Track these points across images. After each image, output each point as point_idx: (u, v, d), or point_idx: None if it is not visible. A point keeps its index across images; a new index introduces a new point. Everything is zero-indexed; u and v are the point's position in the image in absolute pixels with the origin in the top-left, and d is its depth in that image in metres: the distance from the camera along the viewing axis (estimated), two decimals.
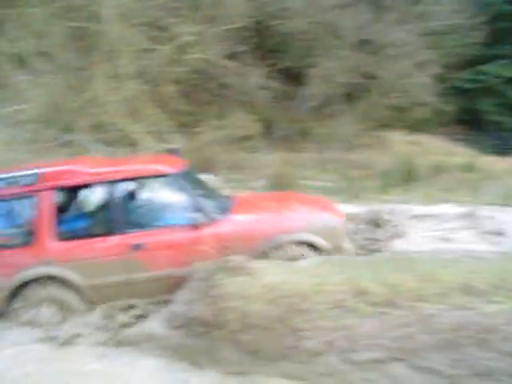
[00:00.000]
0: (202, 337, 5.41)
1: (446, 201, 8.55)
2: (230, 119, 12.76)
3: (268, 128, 13.81)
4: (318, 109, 14.61)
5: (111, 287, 6.38)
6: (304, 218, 6.72)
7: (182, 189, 6.60)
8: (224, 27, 11.17)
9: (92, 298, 6.40)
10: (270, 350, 5.10)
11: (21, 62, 9.17)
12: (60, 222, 6.51)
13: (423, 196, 9.13)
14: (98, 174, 6.55)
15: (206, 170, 8.89)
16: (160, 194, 7.07)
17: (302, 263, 5.92)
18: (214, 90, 13.28)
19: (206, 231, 6.43)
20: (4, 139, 9.21)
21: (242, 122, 12.89)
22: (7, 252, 6.40)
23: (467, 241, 7.25)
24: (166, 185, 6.84)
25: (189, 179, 6.90)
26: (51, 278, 6.37)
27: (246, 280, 5.45)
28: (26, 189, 6.44)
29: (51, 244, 6.39)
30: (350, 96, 14.96)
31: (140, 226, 6.56)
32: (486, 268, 5.52)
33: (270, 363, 5.10)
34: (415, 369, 4.78)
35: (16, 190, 6.45)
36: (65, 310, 6.40)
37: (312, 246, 6.54)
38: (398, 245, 7.27)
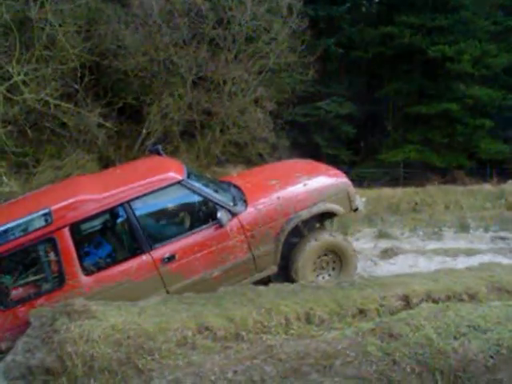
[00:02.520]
0: None
1: None
2: (70, 158, 12.51)
3: (107, 166, 13.66)
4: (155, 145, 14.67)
5: None
6: (316, 188, 6.83)
7: (196, 190, 6.53)
8: (59, 66, 10.97)
9: None
10: None
11: None
12: (84, 255, 6.32)
13: None
14: (110, 198, 6.27)
15: None
16: (177, 201, 6.89)
17: (144, 302, 5.89)
18: (52, 129, 12.96)
19: (232, 226, 6.42)
20: None
21: (81, 162, 12.68)
22: (41, 299, 6.06)
23: None
24: (181, 191, 6.63)
25: (196, 178, 6.83)
26: None
27: (90, 323, 5.33)
28: (44, 231, 6.06)
29: (81, 280, 6.12)
30: (188, 133, 15.16)
31: (165, 238, 6.42)
32: (325, 296, 5.78)
33: None
34: None
35: (34, 235, 6.05)
36: None
37: (330, 214, 6.79)
38: None
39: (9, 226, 6.14)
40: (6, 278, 6.36)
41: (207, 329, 5.23)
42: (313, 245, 6.84)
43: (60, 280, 6.20)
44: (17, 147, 9.44)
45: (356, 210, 7.15)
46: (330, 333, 5.29)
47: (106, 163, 13.65)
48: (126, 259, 6.38)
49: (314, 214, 6.80)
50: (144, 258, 6.32)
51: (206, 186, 6.86)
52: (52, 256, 6.26)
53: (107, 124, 13.35)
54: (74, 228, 6.31)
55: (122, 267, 6.29)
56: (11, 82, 7.44)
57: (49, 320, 5.50)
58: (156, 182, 6.50)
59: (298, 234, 6.94)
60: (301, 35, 16.88)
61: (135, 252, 6.39)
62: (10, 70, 7.78)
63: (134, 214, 6.38)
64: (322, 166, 8.03)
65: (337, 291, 5.97)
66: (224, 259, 6.52)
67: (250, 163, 15.97)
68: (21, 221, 6.16)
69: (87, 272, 6.23)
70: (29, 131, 11.45)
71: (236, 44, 15.50)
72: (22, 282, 6.36)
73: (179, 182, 6.55)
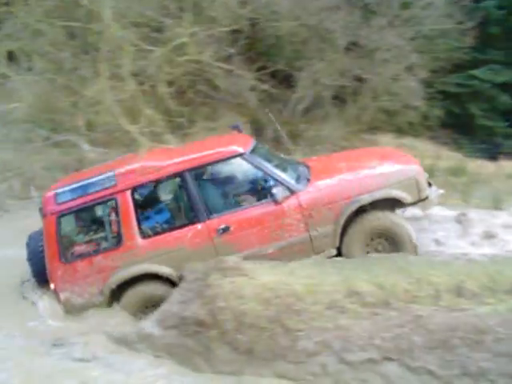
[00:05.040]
0: (195, 336, 5.45)
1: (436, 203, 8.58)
2: (222, 121, 12.76)
3: (258, 130, 13.80)
4: (308, 111, 14.64)
5: None
6: (383, 173, 6.69)
7: (258, 165, 6.65)
8: (218, 29, 11.17)
9: None
10: (265, 350, 5.15)
11: (15, 60, 9.15)
12: (143, 219, 6.66)
13: None
14: (172, 166, 6.62)
15: None
16: (237, 174, 7.07)
17: (295, 264, 5.96)
18: (206, 91, 13.28)
19: (289, 203, 6.48)
20: None
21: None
22: (99, 257, 6.55)
23: (458, 243, 7.29)
24: (241, 164, 6.82)
25: (262, 154, 6.96)
26: (145, 276, 6.53)
27: (241, 280, 5.48)
28: (106, 192, 6.54)
29: (138, 242, 6.51)
30: (339, 99, 14.99)
31: (222, 209, 6.64)
32: (478, 270, 5.58)
33: (265, 363, 5.15)
34: (408, 369, 4.84)
35: (96, 196, 6.56)
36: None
37: (396, 201, 6.62)
38: None
39: (76, 185, 6.64)
40: (71, 233, 6.86)
41: (357, 293, 5.22)
42: (357, 229, 6.61)
43: (118, 240, 6.58)
44: (168, 110, 9.76)
45: (425, 199, 6.74)
46: (481, 308, 5.11)
47: (257, 126, 13.81)
48: (182, 226, 6.60)
49: (376, 199, 6.54)
50: (199, 227, 6.50)
51: (270, 162, 6.86)
52: (113, 217, 6.65)
53: (260, 87, 13.49)
54: (136, 192, 6.70)
55: (178, 234, 6.52)
56: (176, 42, 7.69)
57: (202, 275, 5.72)
58: (217, 154, 6.69)
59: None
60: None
61: (192, 220, 6.58)
62: (177, 30, 8.05)
63: (194, 183, 6.59)
64: (399, 153, 7.76)
65: (490, 266, 5.76)
66: (279, 236, 6.49)
67: (399, 132, 15.62)
68: (88, 181, 6.62)
69: (144, 235, 6.55)
70: (188, 92, 11.84)
71: (391, 9, 15.09)
72: (84, 238, 6.84)
73: (240, 155, 6.66)
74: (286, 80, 14.73)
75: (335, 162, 7.46)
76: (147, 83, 7.72)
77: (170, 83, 8.54)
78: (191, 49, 8.25)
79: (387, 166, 6.85)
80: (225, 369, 5.27)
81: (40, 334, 6.24)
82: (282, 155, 7.96)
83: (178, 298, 5.74)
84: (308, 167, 7.26)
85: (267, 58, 14.65)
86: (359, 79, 14.89)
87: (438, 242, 7.27)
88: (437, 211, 7.95)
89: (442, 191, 7.20)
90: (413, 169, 6.81)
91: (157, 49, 7.78)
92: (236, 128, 7.94)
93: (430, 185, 7.02)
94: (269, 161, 6.89)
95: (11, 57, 9.22)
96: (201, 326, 5.39)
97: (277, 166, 6.84)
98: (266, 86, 13.47)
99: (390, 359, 4.88)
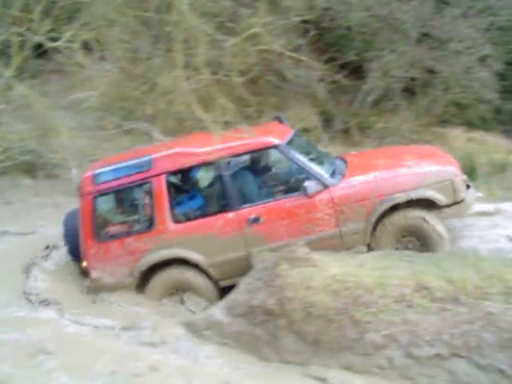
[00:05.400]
0: (263, 325, 5.50)
1: (509, 199, 8.41)
2: (291, 111, 12.79)
3: (327, 121, 13.77)
4: (377, 103, 14.52)
5: (231, 264, 6.61)
6: (419, 172, 6.63)
7: (292, 158, 6.69)
8: (292, 19, 11.19)
9: (214, 275, 6.70)
10: (332, 342, 5.17)
11: (90, 49, 9.37)
12: (176, 204, 6.81)
13: (485, 194, 8.99)
14: (207, 154, 6.69)
15: None
16: (271, 166, 7.31)
17: (364, 256, 5.95)
18: (275, 82, 13.33)
19: (321, 198, 6.50)
20: (71, 126, 9.44)
21: (302, 115, 12.92)
22: (131, 239, 6.75)
23: None
24: (276, 156, 7.01)
25: (299, 147, 6.99)
26: (174, 261, 6.72)
27: (310, 271, 5.51)
28: (141, 176, 6.72)
29: (169, 227, 6.66)
30: (410, 91, 14.80)
31: (254, 199, 6.71)
32: None
33: (331, 354, 5.17)
34: (476, 366, 4.77)
35: (132, 178, 6.73)
36: (191, 289, 6.79)
37: (430, 202, 6.55)
38: (462, 242, 7.15)
39: (114, 167, 6.82)
40: (106, 214, 7.02)
41: (425, 288, 5.18)
42: (388, 227, 6.56)
43: (150, 223, 6.72)
44: (243, 98, 9.83)
45: (461, 202, 6.61)
46: None
47: (326, 117, 13.80)
48: (213, 214, 6.69)
49: (410, 199, 6.45)
50: (230, 215, 6.57)
51: (306, 155, 6.83)
52: (147, 200, 6.79)
53: (330, 78, 13.45)
54: (170, 177, 6.81)
55: (209, 221, 6.61)
56: (249, 32, 7.76)
57: (271, 264, 5.76)
58: (253, 144, 6.71)
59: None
60: None
61: (223, 208, 6.66)
62: (251, 20, 8.11)
63: (227, 172, 6.68)
64: (439, 153, 7.50)
65: None
66: (309, 230, 6.49)
67: (470, 126, 15.29)
68: (125, 164, 6.80)
69: (176, 220, 6.65)
70: (259, 83, 11.92)
71: None
72: (118, 219, 7.01)
73: (276, 147, 6.70)
74: (355, 71, 14.62)
75: (373, 159, 7.43)
76: (220, 73, 7.80)
77: (242, 73, 8.59)
78: (264, 39, 8.29)
79: (424, 166, 6.77)
80: (291, 358, 5.31)
81: (111, 317, 6.43)
82: (320, 149, 7.92)
83: (246, 287, 5.80)
84: (345, 162, 7.24)
85: (337, 48, 14.58)
86: (430, 71, 14.66)
87: (510, 239, 7.12)
88: (508, 207, 7.82)
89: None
90: (450, 170, 6.71)
91: (230, 38, 7.86)
92: (278, 119, 7.94)
93: (468, 187, 6.92)
94: (305, 154, 6.89)
95: (86, 46, 9.42)
96: (269, 315, 5.43)
97: (312, 160, 6.85)
98: (335, 77, 13.40)
99: (458, 356, 4.82)
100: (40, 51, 10.96)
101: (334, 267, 5.56)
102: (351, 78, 14.15)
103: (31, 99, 9.52)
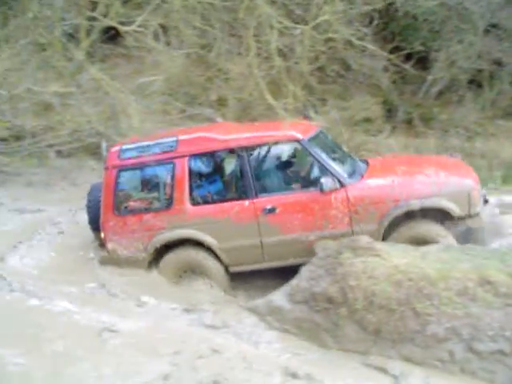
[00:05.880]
0: (324, 313, 5.55)
1: None
2: (353, 100, 12.77)
3: (390, 111, 13.68)
4: (442, 94, 14.34)
5: (243, 250, 6.76)
6: (436, 181, 6.65)
7: (313, 153, 6.77)
8: (363, 8, 11.15)
9: (224, 259, 6.86)
10: (393, 332, 5.18)
11: (157, 34, 9.53)
12: (195, 186, 6.95)
13: None
14: (231, 141, 6.91)
15: None
16: (292, 160, 7.42)
17: (427, 248, 5.93)
18: (338, 71, 13.28)
19: (337, 195, 6.59)
20: (138, 109, 9.62)
21: (365, 104, 12.87)
22: (148, 215, 6.93)
23: None
24: (297, 150, 7.18)
25: (322, 144, 7.09)
26: (188, 241, 6.88)
27: (374, 261, 5.52)
28: (165, 155, 6.91)
29: (187, 208, 6.83)
30: (475, 82, 14.54)
31: (272, 190, 6.88)
32: None
33: (392, 345, 5.18)
34: None
35: (156, 157, 6.92)
36: (201, 270, 6.94)
37: (443, 212, 6.55)
38: None
39: (140, 144, 7.05)
40: (127, 189, 7.16)
41: (489, 283, 5.13)
42: (400, 232, 6.58)
43: (169, 202, 6.89)
44: (308, 86, 9.88)
45: (476, 215, 6.57)
46: None
47: (389, 108, 13.70)
48: (230, 199, 6.83)
49: (424, 207, 6.45)
50: (247, 203, 6.69)
51: (327, 153, 6.89)
52: (168, 180, 6.93)
53: (395, 68, 13.33)
54: (193, 159, 6.90)
55: (225, 207, 6.75)
56: (319, 20, 7.79)
57: (334, 252, 5.80)
58: (276, 136, 6.88)
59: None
60: None
61: (241, 196, 6.80)
62: (319, 9, 8.14)
63: (248, 161, 6.79)
64: (463, 166, 7.38)
65: None
66: (322, 226, 6.58)
67: None
68: (151, 143, 7.03)
69: (194, 202, 6.81)
70: (325, 71, 11.93)
71: None
72: (139, 195, 7.13)
73: (297, 141, 6.81)
74: (420, 61, 14.43)
75: (395, 164, 7.46)
76: (291, 60, 7.87)
77: (311, 61, 8.65)
78: (333, 27, 8.31)
79: (442, 176, 6.78)
80: (352, 347, 5.34)
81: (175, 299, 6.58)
82: (345, 149, 7.93)
83: (307, 274, 5.85)
84: (367, 164, 7.32)
85: (402, 38, 14.40)
86: (498, 63, 14.37)
87: None
88: None
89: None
90: (468, 183, 6.70)
91: (300, 26, 7.91)
92: (305, 116, 8.19)
93: (486, 202, 6.90)
94: (327, 151, 6.97)
95: (154, 31, 9.58)
96: (330, 303, 5.48)
97: (333, 158, 6.92)
98: (399, 67, 13.27)
99: None
100: (108, 35, 11.20)
101: (396, 258, 5.56)
102: (416, 68, 13.98)
103: (102, 82, 9.73)
